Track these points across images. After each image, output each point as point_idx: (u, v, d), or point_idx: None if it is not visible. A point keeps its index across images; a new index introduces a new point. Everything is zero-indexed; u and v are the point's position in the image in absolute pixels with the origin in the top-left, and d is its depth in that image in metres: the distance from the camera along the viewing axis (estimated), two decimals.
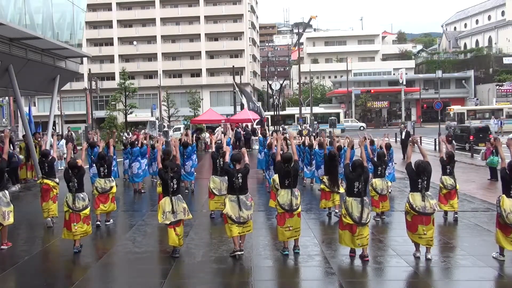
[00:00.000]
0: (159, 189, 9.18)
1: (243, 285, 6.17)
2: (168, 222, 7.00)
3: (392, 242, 7.96)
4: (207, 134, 26.53)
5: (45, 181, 9.24)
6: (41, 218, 9.38)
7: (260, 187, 13.85)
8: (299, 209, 7.22)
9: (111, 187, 9.25)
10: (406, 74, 59.81)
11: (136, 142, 13.85)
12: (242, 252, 7.13)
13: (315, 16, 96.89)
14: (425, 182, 6.98)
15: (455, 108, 44.23)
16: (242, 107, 36.31)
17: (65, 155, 18.82)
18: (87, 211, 7.54)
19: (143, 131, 25.90)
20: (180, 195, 7.23)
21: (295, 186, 7.21)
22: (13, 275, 6.64)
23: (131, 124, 40.43)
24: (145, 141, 14.14)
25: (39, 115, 40.20)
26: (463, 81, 60.76)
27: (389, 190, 10.12)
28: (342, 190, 9.20)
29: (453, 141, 20.10)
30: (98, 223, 9.07)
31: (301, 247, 7.38)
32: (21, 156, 15.17)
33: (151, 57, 59.18)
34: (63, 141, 19.82)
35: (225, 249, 7.43)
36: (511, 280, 6.25)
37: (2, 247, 7.73)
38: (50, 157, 9.40)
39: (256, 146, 24.94)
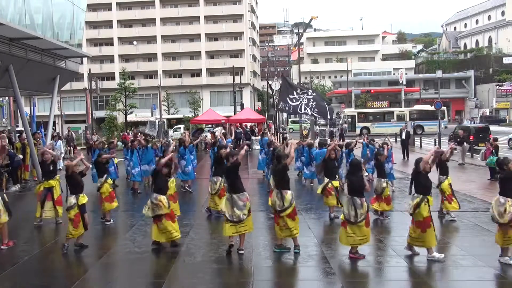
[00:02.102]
0: None
1: (243, 285, 6.17)
2: (151, 215, 7.39)
3: (392, 242, 7.96)
4: (208, 135, 26.55)
5: (46, 181, 9.23)
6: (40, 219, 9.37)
7: (260, 187, 13.85)
8: (288, 211, 7.10)
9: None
10: (406, 74, 59.81)
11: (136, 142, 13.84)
12: (242, 252, 7.15)
13: (316, 16, 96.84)
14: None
15: (346, 111, 43.82)
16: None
17: (62, 155, 18.82)
18: (72, 212, 7.42)
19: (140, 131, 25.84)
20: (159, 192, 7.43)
21: (283, 187, 7.18)
22: (13, 275, 6.63)
23: (131, 124, 40.42)
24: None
25: (39, 115, 39.99)
26: (463, 81, 60.77)
27: (392, 189, 10.12)
28: (336, 183, 9.51)
29: (465, 143, 19.27)
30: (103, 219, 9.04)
31: (301, 247, 7.37)
32: (21, 156, 15.16)
33: (151, 57, 59.12)
34: (60, 142, 19.77)
35: (225, 249, 7.41)
36: (511, 280, 6.25)
37: (2, 247, 7.73)
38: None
39: (256, 146, 24.92)
